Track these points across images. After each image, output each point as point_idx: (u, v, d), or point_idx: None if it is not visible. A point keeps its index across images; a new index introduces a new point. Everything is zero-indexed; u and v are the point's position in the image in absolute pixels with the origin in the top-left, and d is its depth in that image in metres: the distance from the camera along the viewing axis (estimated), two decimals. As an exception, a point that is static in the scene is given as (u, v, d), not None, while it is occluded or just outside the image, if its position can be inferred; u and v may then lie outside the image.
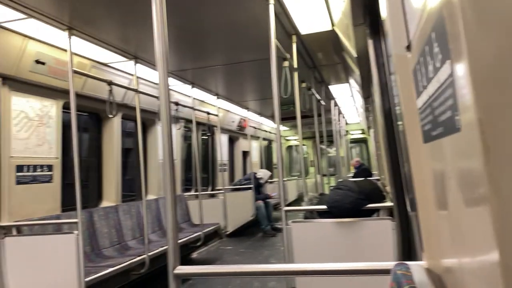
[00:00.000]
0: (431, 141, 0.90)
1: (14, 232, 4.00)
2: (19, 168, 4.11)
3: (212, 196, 8.82)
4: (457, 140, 0.66)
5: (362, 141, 15.15)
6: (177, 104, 6.02)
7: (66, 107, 4.74)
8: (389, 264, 1.36)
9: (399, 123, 2.50)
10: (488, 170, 0.52)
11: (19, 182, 4.11)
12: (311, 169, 14.19)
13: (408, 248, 2.81)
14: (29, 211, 4.21)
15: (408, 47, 1.08)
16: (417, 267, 1.13)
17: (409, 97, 1.14)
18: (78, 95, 4.42)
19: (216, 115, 7.52)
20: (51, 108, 4.55)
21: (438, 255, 1.06)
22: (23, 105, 4.19)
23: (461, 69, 0.58)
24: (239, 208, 8.29)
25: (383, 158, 4.74)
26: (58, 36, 3.92)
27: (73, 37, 3.82)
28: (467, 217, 0.67)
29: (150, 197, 6.60)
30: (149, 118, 6.52)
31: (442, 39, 0.68)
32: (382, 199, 3.49)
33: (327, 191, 7.49)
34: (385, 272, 1.42)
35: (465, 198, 0.67)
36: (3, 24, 3.63)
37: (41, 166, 4.36)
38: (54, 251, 3.75)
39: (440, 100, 0.74)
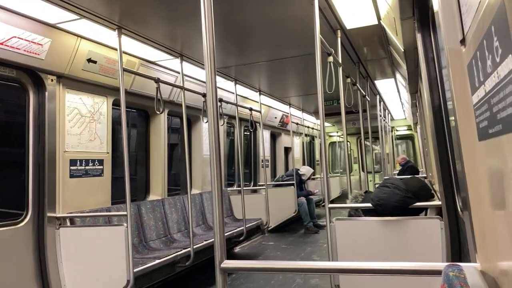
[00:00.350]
0: (487, 138, 0.87)
1: (68, 223, 4.21)
2: (72, 162, 4.32)
3: (254, 191, 8.88)
4: (519, 138, 0.63)
5: (408, 138, 14.72)
6: (220, 100, 6.10)
7: (115, 104, 4.93)
8: (440, 265, 1.32)
9: (451, 119, 2.41)
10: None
11: (72, 175, 4.32)
12: (355, 166, 13.96)
13: (458, 249, 2.72)
14: (81, 204, 4.42)
15: (463, 41, 1.04)
16: (471, 269, 1.09)
17: (463, 92, 1.10)
18: (127, 92, 4.58)
19: (259, 111, 7.55)
20: (102, 105, 4.74)
21: (494, 257, 1.02)
22: (76, 102, 4.40)
23: (525, 64, 0.56)
24: (281, 204, 8.30)
25: (431, 155, 4.59)
26: (108, 35, 4.08)
27: (122, 36, 3.95)
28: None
29: (194, 191, 6.73)
30: (194, 115, 6.65)
31: (503, 33, 0.65)
32: (430, 197, 3.39)
33: (371, 189, 7.35)
34: (435, 273, 1.38)
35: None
36: (57, 25, 3.82)
37: (93, 161, 4.56)
38: (105, 242, 3.92)
39: (499, 97, 0.71)
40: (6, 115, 4.36)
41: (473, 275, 1.05)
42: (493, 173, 0.88)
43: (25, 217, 3.96)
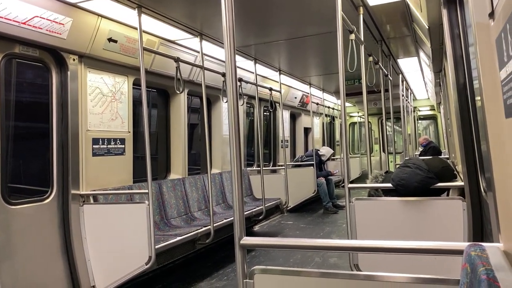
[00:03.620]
0: (515, 115, 0.84)
1: (91, 200, 4.31)
2: (95, 141, 4.40)
3: (274, 171, 8.90)
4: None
5: (430, 118, 14.44)
6: (240, 80, 6.07)
7: (136, 84, 4.96)
8: (461, 245, 1.30)
9: (477, 98, 2.35)
10: None
11: (95, 154, 4.40)
12: (375, 147, 13.81)
13: (480, 230, 2.68)
14: (104, 182, 4.51)
15: (491, 15, 1.00)
16: (493, 249, 1.08)
17: (490, 68, 1.07)
18: (147, 72, 4.60)
19: (279, 91, 7.50)
20: (123, 84, 4.78)
21: (518, 237, 1.00)
22: (98, 81, 4.45)
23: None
24: (300, 184, 8.32)
25: (454, 135, 4.49)
26: (129, 14, 4.08)
27: (142, 15, 3.95)
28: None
29: (214, 171, 6.79)
30: (213, 94, 6.65)
31: (535, 3, 0.62)
32: (452, 178, 3.33)
33: (392, 170, 7.27)
34: (456, 252, 1.37)
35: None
36: (78, 4, 3.84)
37: (115, 140, 4.63)
38: (127, 219, 4.01)
39: (529, 71, 0.69)
40: (30, 94, 4.45)
41: (495, 255, 1.04)
42: (520, 151, 0.86)
43: (50, 194, 4.07)
